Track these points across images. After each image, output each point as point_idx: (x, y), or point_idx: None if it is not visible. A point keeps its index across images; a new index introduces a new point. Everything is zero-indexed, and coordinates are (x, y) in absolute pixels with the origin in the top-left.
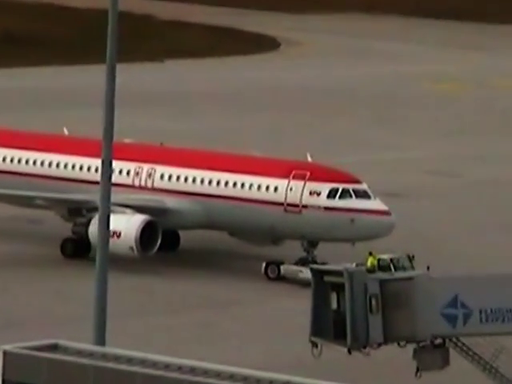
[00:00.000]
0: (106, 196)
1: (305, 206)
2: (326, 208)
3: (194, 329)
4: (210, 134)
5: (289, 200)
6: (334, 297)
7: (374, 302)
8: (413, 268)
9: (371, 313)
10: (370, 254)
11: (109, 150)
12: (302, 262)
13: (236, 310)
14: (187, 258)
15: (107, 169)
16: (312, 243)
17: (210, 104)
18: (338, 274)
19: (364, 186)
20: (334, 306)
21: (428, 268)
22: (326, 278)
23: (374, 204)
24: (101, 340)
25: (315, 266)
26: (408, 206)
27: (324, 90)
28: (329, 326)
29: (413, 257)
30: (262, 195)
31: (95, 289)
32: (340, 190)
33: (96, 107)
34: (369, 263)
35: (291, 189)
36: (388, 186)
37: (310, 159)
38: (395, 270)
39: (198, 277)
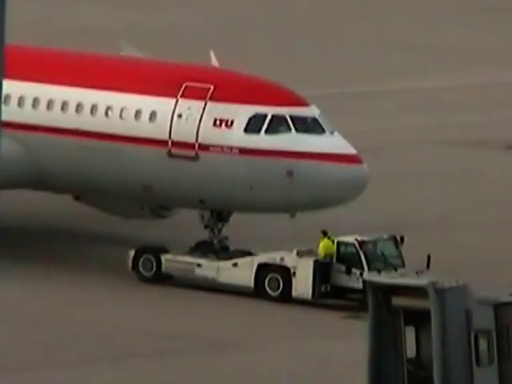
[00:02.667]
0: None
1: (204, 147)
2: (243, 150)
3: None
4: None
5: (175, 136)
6: (409, 334)
7: (482, 343)
8: (400, 258)
9: (478, 364)
10: (324, 234)
11: None
12: (202, 250)
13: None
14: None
15: None
16: (219, 215)
17: None
18: (417, 292)
19: (313, 111)
20: (411, 350)
21: (429, 258)
22: (396, 301)
23: (331, 143)
24: None
25: (371, 278)
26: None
27: None
28: None
29: (401, 240)
30: (128, 128)
31: None
32: (269, 118)
33: None
34: (321, 250)
35: (180, 115)
36: None
37: (214, 62)
38: (370, 263)
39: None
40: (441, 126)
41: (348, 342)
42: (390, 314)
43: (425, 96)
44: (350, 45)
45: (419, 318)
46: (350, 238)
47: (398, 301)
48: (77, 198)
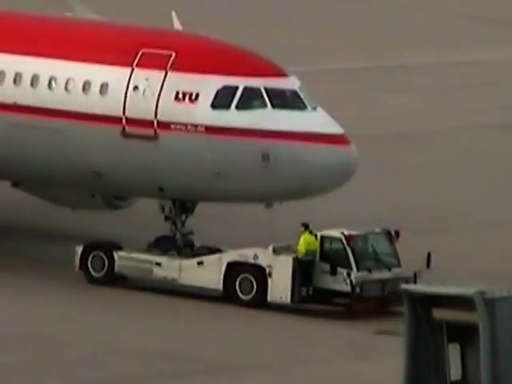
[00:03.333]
0: None
1: (164, 126)
2: (210, 129)
3: None
4: None
5: (130, 112)
6: (454, 354)
7: None
8: (395, 256)
9: None
10: (306, 227)
11: None
12: (163, 246)
13: None
14: None
15: None
16: (182, 206)
17: None
18: (463, 302)
19: (292, 83)
20: (456, 372)
21: (429, 256)
22: (438, 314)
23: (314, 120)
24: None
25: (408, 287)
26: None
27: None
28: None
29: (396, 234)
30: (74, 103)
31: None
32: (240, 91)
33: None
34: (301, 246)
35: (136, 88)
36: None
37: (177, 24)
38: (359, 261)
39: None
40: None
41: (381, 361)
42: (430, 328)
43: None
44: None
45: (465, 334)
46: (335, 232)
47: (440, 313)
48: (15, 184)
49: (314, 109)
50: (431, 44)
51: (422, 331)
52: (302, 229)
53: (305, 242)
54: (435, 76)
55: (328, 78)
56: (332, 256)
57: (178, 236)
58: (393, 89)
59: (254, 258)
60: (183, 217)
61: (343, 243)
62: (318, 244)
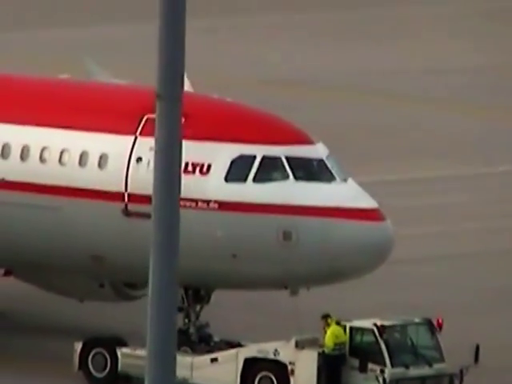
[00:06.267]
0: None
1: None
2: (224, 205)
3: None
4: None
5: (133, 187)
6: None
7: None
8: (438, 349)
9: None
10: (326, 318)
11: None
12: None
13: None
14: None
15: None
16: (196, 294)
17: None
18: None
19: (319, 151)
20: None
21: (477, 349)
22: None
23: (343, 193)
24: None
25: None
26: None
27: None
28: None
29: (439, 324)
30: (70, 177)
31: None
32: (258, 161)
33: None
34: (328, 339)
35: (139, 159)
36: None
37: (186, 85)
38: (394, 356)
39: None
40: None
41: None
42: None
43: None
44: None
45: None
46: (366, 323)
47: None
48: (7, 273)
49: (344, 180)
50: None
51: None
52: (328, 319)
53: (332, 335)
54: None
55: None
56: (363, 350)
57: (191, 329)
58: None
59: (275, 354)
60: (197, 307)
61: (375, 335)
62: (347, 337)
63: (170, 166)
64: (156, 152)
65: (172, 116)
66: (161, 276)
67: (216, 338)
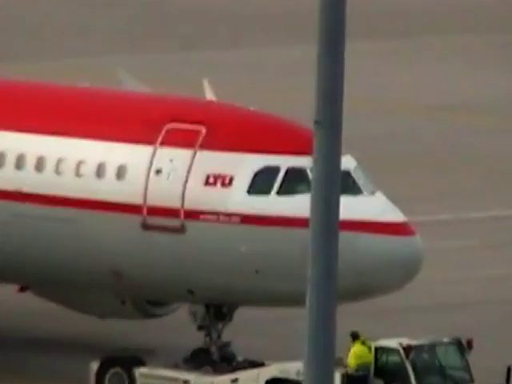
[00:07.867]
0: None
1: (193, 215)
2: (247, 218)
3: None
4: None
5: (153, 200)
6: None
7: None
8: (468, 371)
9: None
10: (355, 337)
11: None
12: (197, 360)
13: None
14: None
15: None
16: (217, 311)
17: None
18: None
19: (346, 163)
20: None
21: (509, 371)
22: None
23: (371, 207)
24: None
25: None
26: None
27: None
28: None
29: (469, 344)
30: (87, 189)
31: None
32: (282, 173)
33: None
34: (352, 359)
35: (159, 171)
36: None
37: (209, 94)
38: (420, 377)
39: None
40: None
41: None
42: None
43: None
44: None
45: None
46: (392, 342)
47: None
48: (23, 288)
49: (372, 193)
50: None
51: None
52: (351, 338)
53: (355, 355)
54: None
55: None
56: (388, 371)
57: (213, 349)
58: None
59: (297, 375)
60: (219, 325)
61: (401, 355)
62: (371, 357)
63: (328, 195)
64: (313, 180)
65: (331, 142)
66: (317, 313)
67: (239, 358)
